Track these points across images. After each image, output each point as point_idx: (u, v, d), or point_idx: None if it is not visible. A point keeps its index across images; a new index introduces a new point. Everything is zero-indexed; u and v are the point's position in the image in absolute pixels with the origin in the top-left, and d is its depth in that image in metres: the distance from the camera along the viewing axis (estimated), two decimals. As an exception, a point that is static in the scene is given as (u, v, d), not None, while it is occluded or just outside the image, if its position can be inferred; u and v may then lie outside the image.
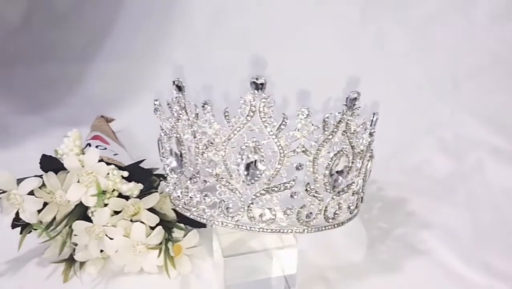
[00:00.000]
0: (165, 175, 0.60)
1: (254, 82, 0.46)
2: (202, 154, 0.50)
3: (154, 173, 0.64)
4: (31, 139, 0.93)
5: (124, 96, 1.02)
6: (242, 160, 0.48)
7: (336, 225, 0.54)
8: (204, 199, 0.52)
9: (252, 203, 0.49)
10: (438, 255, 0.62)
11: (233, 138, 0.48)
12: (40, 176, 0.56)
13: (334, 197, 0.52)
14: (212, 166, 0.50)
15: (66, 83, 1.06)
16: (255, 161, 0.48)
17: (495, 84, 0.87)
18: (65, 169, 0.57)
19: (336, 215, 0.54)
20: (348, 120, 0.50)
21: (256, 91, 0.46)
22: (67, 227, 0.56)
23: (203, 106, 0.50)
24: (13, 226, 0.56)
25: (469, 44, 0.87)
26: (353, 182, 0.54)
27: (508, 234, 0.67)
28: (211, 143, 0.49)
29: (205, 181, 0.51)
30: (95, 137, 0.75)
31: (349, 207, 0.55)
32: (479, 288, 0.57)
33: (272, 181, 0.49)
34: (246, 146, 0.47)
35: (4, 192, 0.56)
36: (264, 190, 0.49)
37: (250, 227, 0.51)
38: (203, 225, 0.62)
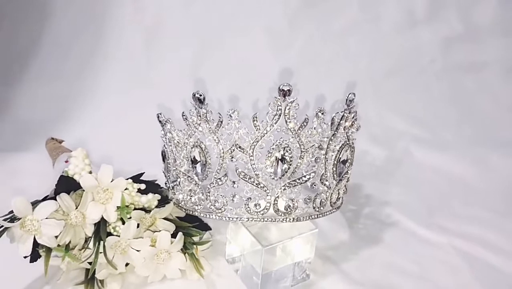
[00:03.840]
0: (173, 184, 0.63)
1: (281, 89, 0.53)
2: (232, 158, 0.55)
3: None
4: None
5: (57, 117, 0.98)
6: (271, 158, 0.54)
7: (336, 209, 0.63)
8: (232, 200, 0.56)
9: (278, 197, 0.56)
10: (403, 225, 0.75)
11: (261, 141, 0.54)
12: (53, 198, 0.55)
13: (337, 184, 0.61)
14: (240, 167, 0.55)
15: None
16: (283, 158, 0.54)
17: (405, 83, 1.05)
18: (76, 190, 0.57)
19: (337, 200, 0.63)
20: (347, 117, 0.59)
21: (283, 97, 0.53)
22: (89, 248, 0.56)
23: (229, 115, 0.55)
24: (33, 254, 0.54)
25: (380, 51, 1.04)
26: (348, 170, 0.63)
27: (446, 201, 0.83)
28: (239, 147, 0.55)
29: (233, 182, 0.56)
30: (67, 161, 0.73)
31: (344, 193, 0.65)
32: (442, 245, 0.71)
33: (295, 174, 0.56)
34: (275, 146, 0.54)
35: (13, 220, 0.53)
36: (289, 184, 0.56)
37: (275, 219, 0.57)
38: (209, 228, 0.67)
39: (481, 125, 1.02)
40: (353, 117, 0.62)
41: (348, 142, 0.61)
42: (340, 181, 0.61)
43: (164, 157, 0.64)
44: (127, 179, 0.58)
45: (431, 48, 1.05)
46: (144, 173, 0.64)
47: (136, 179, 0.62)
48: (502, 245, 0.72)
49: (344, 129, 0.59)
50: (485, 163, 0.94)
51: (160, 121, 0.61)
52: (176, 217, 0.64)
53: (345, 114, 0.58)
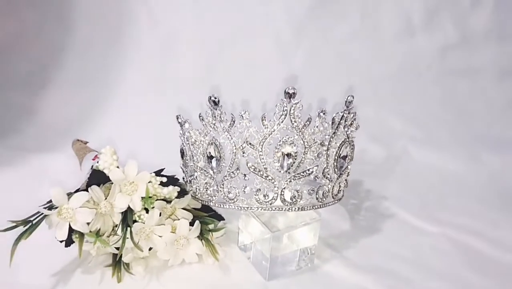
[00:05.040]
0: (190, 178, 0.70)
1: (287, 92, 0.60)
2: (243, 153, 0.62)
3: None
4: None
5: (81, 121, 1.06)
6: (278, 153, 0.61)
7: (337, 200, 0.70)
8: (244, 191, 0.63)
9: (284, 188, 0.63)
10: (400, 217, 0.82)
11: (269, 138, 0.61)
12: (85, 190, 0.62)
13: (338, 178, 0.67)
14: (251, 161, 0.62)
15: (19, 112, 1.06)
16: (289, 153, 0.61)
17: (403, 87, 1.12)
18: (105, 183, 0.64)
19: (338, 192, 0.70)
20: (346, 116, 0.66)
21: (289, 99, 0.60)
22: (117, 234, 0.63)
23: (241, 116, 0.62)
24: (68, 239, 0.61)
25: (380, 57, 1.11)
26: (348, 165, 0.70)
27: (440, 195, 0.90)
28: (250, 143, 0.62)
29: (244, 175, 0.63)
30: (96, 157, 0.80)
31: (344, 186, 0.71)
32: (435, 234, 0.78)
33: (299, 168, 0.63)
34: (282, 142, 0.61)
35: (51, 208, 0.61)
36: (294, 176, 0.62)
37: (282, 208, 0.64)
38: (222, 218, 0.74)
39: (473, 126, 1.09)
40: (352, 117, 0.68)
41: (348, 140, 0.67)
42: (341, 175, 0.68)
43: (182, 154, 0.71)
44: (150, 174, 0.65)
45: (428, 54, 1.12)
46: (164, 168, 0.71)
47: (158, 173, 0.69)
48: (490, 233, 0.79)
49: (344, 128, 0.66)
50: (477, 160, 1.01)
51: (179, 122, 0.69)
52: (193, 208, 0.71)
53: (344, 114, 0.65)
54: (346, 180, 0.73)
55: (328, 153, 0.65)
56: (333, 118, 0.65)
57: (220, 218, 0.72)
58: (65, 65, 1.11)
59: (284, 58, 1.12)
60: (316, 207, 0.66)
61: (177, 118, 0.69)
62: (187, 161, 0.70)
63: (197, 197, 0.69)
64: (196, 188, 0.68)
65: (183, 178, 0.73)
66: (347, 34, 1.11)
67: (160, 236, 0.64)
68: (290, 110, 0.61)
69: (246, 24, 1.11)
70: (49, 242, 0.62)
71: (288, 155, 0.61)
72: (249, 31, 1.11)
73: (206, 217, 0.69)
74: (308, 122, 0.62)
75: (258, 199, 0.63)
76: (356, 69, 1.12)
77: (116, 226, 0.64)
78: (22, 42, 1.10)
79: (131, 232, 0.61)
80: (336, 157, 0.66)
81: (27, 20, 1.10)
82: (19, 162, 0.96)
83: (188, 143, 0.68)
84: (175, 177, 0.72)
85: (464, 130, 1.09)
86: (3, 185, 0.88)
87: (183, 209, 0.68)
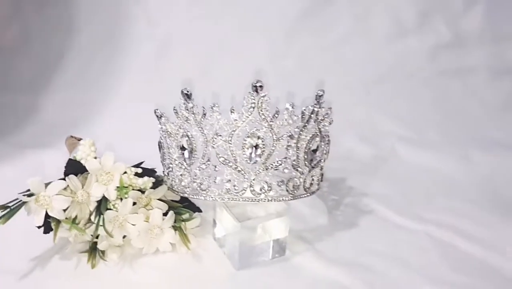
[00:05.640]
0: (168, 171, 0.72)
1: (254, 85, 0.62)
2: (213, 145, 0.64)
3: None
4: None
5: (80, 120, 1.10)
6: (246, 145, 0.63)
7: (310, 194, 0.71)
8: (215, 182, 0.65)
9: (254, 179, 0.64)
10: (380, 213, 0.82)
11: (238, 130, 0.63)
12: (63, 179, 0.65)
13: (310, 170, 0.68)
14: (221, 153, 0.64)
15: (22, 111, 1.11)
16: (257, 145, 0.63)
17: (394, 88, 1.13)
18: (82, 172, 0.67)
19: (311, 186, 0.71)
20: (317, 111, 0.67)
21: (255, 92, 0.62)
22: (93, 221, 0.65)
23: (211, 108, 0.64)
24: (45, 225, 0.64)
25: (372, 58, 1.12)
26: (321, 159, 0.71)
27: (427, 194, 0.90)
28: (220, 135, 0.63)
29: (214, 166, 0.65)
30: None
31: (318, 180, 0.72)
32: (416, 232, 0.78)
33: (268, 160, 0.64)
34: (250, 134, 0.62)
35: (31, 195, 0.64)
36: (263, 168, 0.64)
37: (253, 199, 0.65)
38: (200, 210, 0.76)
39: (465, 126, 1.08)
40: (325, 112, 0.70)
41: (320, 134, 0.68)
42: (313, 168, 0.69)
43: (160, 147, 0.73)
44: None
45: (419, 56, 1.12)
46: (144, 161, 0.74)
47: (137, 166, 0.72)
48: (474, 233, 0.78)
49: (315, 122, 0.67)
50: (467, 159, 1.00)
51: (156, 115, 0.71)
52: (171, 200, 0.73)
53: (315, 108, 0.66)
54: (321, 174, 0.74)
55: (298, 145, 0.66)
56: (302, 112, 0.66)
57: (197, 209, 0.74)
58: (65, 66, 1.15)
59: (276, 59, 1.14)
60: (287, 199, 0.67)
61: (155, 112, 0.71)
62: (164, 154, 0.72)
63: (173, 188, 0.71)
64: (173, 180, 0.70)
65: (163, 171, 0.76)
66: (340, 35, 1.13)
67: (133, 225, 0.66)
68: (257, 103, 0.62)
69: (239, 26, 1.13)
70: (33, 230, 0.65)
71: (256, 147, 0.63)
72: (241, 33, 1.14)
73: (181, 208, 0.71)
74: (276, 115, 0.63)
75: (228, 190, 0.65)
76: (348, 70, 1.13)
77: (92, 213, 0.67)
78: (26, 44, 1.15)
79: (103, 219, 0.64)
80: (306, 150, 0.67)
81: (31, 23, 1.16)
82: (17, 158, 1.00)
83: (165, 136, 0.70)
84: (155, 169, 0.75)
85: (456, 130, 1.08)
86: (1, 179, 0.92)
87: (159, 200, 0.70)
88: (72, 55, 1.15)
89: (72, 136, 0.99)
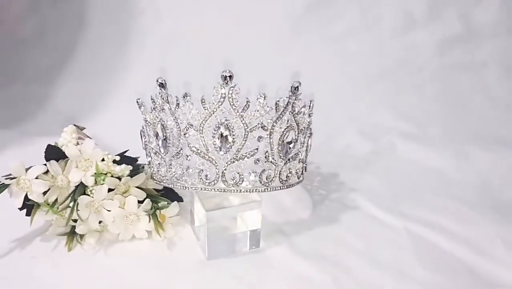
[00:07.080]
0: (148, 160, 0.73)
1: (223, 75, 0.62)
2: (185, 134, 0.65)
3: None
4: (9, 149, 1.02)
5: (88, 110, 1.14)
6: (216, 135, 0.63)
7: (287, 186, 0.70)
8: (187, 170, 0.66)
9: (225, 170, 0.64)
10: (364, 209, 0.80)
11: (209, 120, 0.63)
12: (44, 164, 0.68)
13: (286, 163, 0.68)
14: (193, 142, 0.64)
15: (34, 101, 1.16)
16: (227, 135, 0.63)
17: (397, 83, 1.10)
18: (64, 158, 0.70)
19: (288, 178, 0.70)
20: (293, 103, 0.67)
21: (225, 82, 0.62)
22: (70, 206, 0.67)
23: (183, 97, 0.65)
24: (24, 206, 0.67)
25: (376, 52, 1.09)
26: (299, 152, 0.70)
27: (417, 191, 0.87)
28: (191, 125, 0.64)
29: (187, 156, 0.66)
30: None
31: (297, 173, 0.72)
32: (396, 229, 0.76)
33: (240, 151, 0.64)
34: (219, 124, 0.63)
35: (12, 178, 0.67)
36: (234, 158, 0.64)
37: (224, 190, 0.65)
38: (181, 199, 0.77)
39: (470, 123, 1.04)
40: (303, 104, 0.69)
41: (297, 126, 0.68)
42: (290, 161, 0.68)
43: (141, 136, 0.75)
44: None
45: (428, 49, 1.08)
46: (128, 150, 0.76)
47: (120, 155, 0.74)
48: (457, 231, 0.75)
49: (290, 114, 0.67)
50: (465, 157, 0.96)
51: (138, 105, 0.72)
52: (154, 188, 0.75)
53: (290, 100, 0.66)
54: (303, 167, 0.73)
55: (271, 136, 0.66)
56: (276, 103, 0.66)
57: (178, 198, 0.75)
58: (77, 58, 1.19)
59: (281, 53, 1.13)
60: (260, 190, 0.66)
61: (137, 101, 0.73)
62: (146, 143, 0.73)
63: (153, 177, 0.72)
64: (152, 169, 0.72)
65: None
66: (346, 30, 1.11)
67: (109, 211, 0.68)
68: (227, 94, 0.62)
69: (244, 19, 1.14)
70: (14, 214, 0.68)
71: (226, 137, 0.63)
72: (247, 26, 1.14)
73: (158, 196, 0.72)
74: (247, 106, 0.63)
75: (201, 180, 0.65)
76: (353, 64, 1.11)
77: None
78: (41, 37, 1.20)
79: (77, 203, 0.66)
80: (280, 142, 0.66)
81: (46, 17, 1.21)
82: (27, 145, 1.04)
83: (145, 125, 0.71)
84: (137, 158, 0.76)
85: (459, 127, 1.04)
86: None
87: (138, 187, 0.72)
88: (84, 48, 1.19)
89: (75, 125, 1.02)
